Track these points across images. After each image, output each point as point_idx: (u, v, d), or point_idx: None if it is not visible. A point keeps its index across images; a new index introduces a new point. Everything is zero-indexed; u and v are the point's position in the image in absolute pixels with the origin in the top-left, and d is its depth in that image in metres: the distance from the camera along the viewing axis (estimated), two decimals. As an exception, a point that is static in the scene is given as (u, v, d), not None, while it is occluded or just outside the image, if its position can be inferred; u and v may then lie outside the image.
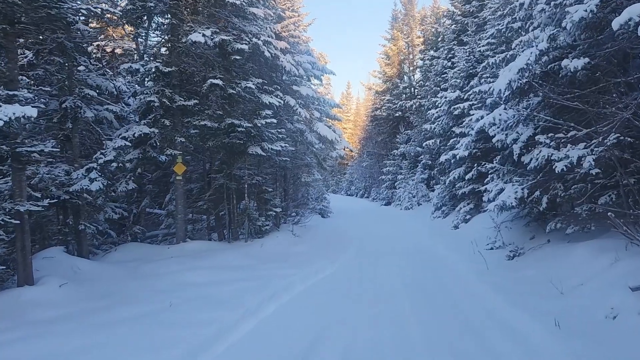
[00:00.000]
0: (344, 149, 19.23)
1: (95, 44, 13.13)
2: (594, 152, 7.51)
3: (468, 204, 16.70)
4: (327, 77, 32.89)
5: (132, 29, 12.53)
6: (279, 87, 14.96)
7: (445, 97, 18.82)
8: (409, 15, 40.52)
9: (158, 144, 11.40)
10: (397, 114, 37.67)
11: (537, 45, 9.05)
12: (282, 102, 12.86)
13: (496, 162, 12.63)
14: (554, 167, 8.28)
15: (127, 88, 13.23)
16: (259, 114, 12.01)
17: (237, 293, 8.01)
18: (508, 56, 13.16)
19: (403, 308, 7.07)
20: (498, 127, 12.39)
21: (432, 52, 30.65)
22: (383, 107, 39.62)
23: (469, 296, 7.69)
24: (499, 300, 7.05)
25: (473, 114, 15.93)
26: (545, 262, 8.77)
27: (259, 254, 12.21)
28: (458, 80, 18.97)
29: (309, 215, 23.85)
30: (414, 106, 33.53)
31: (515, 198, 9.78)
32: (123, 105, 12.84)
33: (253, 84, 11.41)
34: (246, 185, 13.34)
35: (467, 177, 16.29)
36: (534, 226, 11.64)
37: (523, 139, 10.71)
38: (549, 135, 8.68)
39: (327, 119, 19.87)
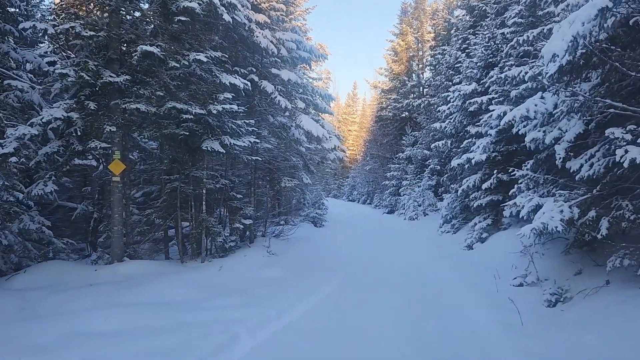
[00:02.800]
0: (341, 150, 16.31)
1: None
2: None
3: (484, 218, 13.73)
4: (327, 71, 30.10)
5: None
6: (254, 70, 12.12)
7: (459, 91, 15.89)
8: (419, 8, 37.61)
9: (79, 133, 8.55)
10: (403, 114, 34.73)
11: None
12: (247, 84, 9.99)
13: (526, 169, 9.71)
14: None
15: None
16: (216, 98, 9.16)
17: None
18: (545, 30, 10.24)
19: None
20: (530, 123, 9.49)
21: (444, 47, 27.73)
22: (389, 107, 36.69)
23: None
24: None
25: (493, 110, 13.04)
26: (612, 320, 5.82)
27: (213, 282, 9.34)
28: (474, 71, 16.03)
29: (299, 223, 20.99)
30: (422, 105, 30.58)
31: (562, 220, 6.85)
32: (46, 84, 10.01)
33: (205, 57, 8.54)
34: (204, 191, 10.48)
35: (484, 186, 13.34)
36: (576, 255, 8.70)
37: (570, 137, 7.78)
38: (629, 128, 5.74)
39: (318, 113, 16.97)
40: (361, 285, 9.45)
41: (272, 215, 17.75)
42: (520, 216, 8.28)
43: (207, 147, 9.25)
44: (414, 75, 37.46)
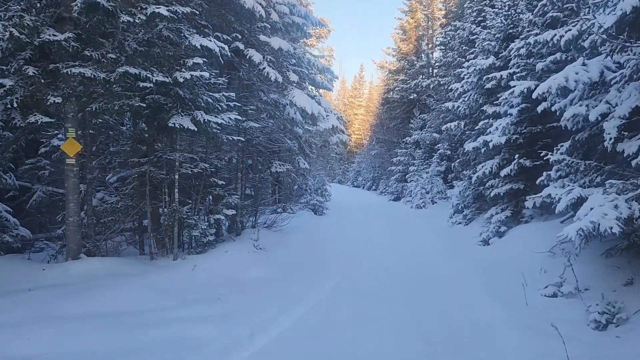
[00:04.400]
0: (341, 131, 14.63)
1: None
2: None
3: (502, 210, 12.11)
4: (330, 49, 28.36)
5: None
6: (240, 37, 10.48)
7: (475, 66, 14.15)
8: (429, -16, 35.54)
9: (15, 105, 6.98)
10: (411, 96, 32.89)
11: None
12: (224, 48, 8.35)
13: (560, 153, 8.07)
14: None
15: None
16: (184, 64, 7.55)
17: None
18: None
19: None
20: (566, 98, 7.84)
21: (455, 23, 25.79)
22: (396, 89, 34.85)
23: None
24: None
25: (515, 86, 11.38)
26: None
27: (182, 285, 7.84)
28: (492, 44, 14.28)
29: (298, 212, 19.47)
30: (432, 86, 28.74)
31: (618, 219, 5.23)
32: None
33: (168, 11, 6.89)
34: (176, 176, 8.93)
35: (502, 172, 11.68)
36: (621, 258, 7.09)
37: (622, 112, 6.14)
38: None
39: (316, 90, 15.27)
40: (359, 292, 7.89)
41: (264, 204, 16.23)
42: (557, 210, 6.68)
43: (174, 124, 7.66)
44: (422, 55, 35.52)
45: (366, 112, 60.30)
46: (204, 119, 7.94)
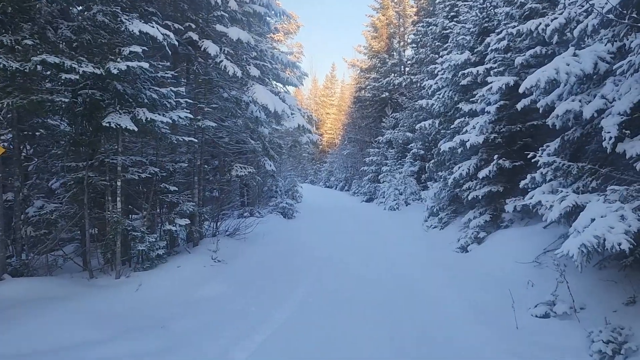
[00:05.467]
0: (308, 131, 13.63)
1: None
2: None
3: (481, 213, 11.37)
4: (299, 45, 27.34)
5: None
6: (193, 26, 9.43)
7: (449, 61, 13.39)
8: (401, -20, 34.91)
9: None
10: (383, 95, 32.17)
11: None
12: (169, 35, 7.29)
13: (547, 154, 7.32)
14: None
15: None
16: (119, 53, 6.49)
17: None
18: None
19: None
20: (556, 92, 7.09)
21: (428, 19, 25.14)
22: (368, 87, 34.07)
23: None
24: None
25: (492, 82, 10.65)
26: None
27: (122, 310, 6.78)
28: (467, 38, 13.55)
29: (267, 215, 18.48)
30: (404, 83, 28.05)
31: (626, 232, 4.44)
32: None
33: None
34: (119, 183, 7.83)
35: (480, 174, 10.93)
36: (616, 271, 6.37)
37: (622, 108, 5.41)
38: None
39: (281, 86, 14.25)
40: (329, 310, 6.96)
41: (229, 208, 15.18)
42: (549, 219, 5.89)
43: (110, 123, 6.58)
44: (394, 53, 34.85)
45: (338, 111, 59.53)
46: (147, 118, 6.88)
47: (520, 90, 6.37)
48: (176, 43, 7.65)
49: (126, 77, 7.01)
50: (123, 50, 6.51)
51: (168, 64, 8.26)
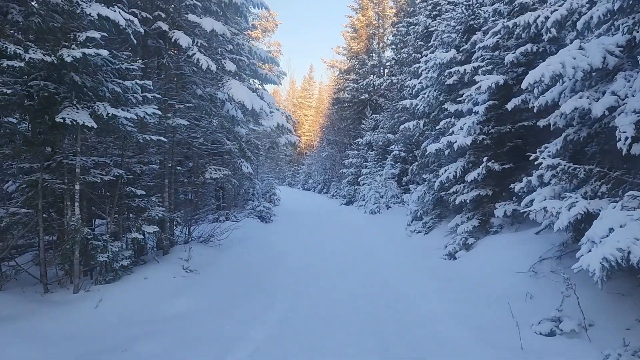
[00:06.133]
0: (288, 131, 12.92)
1: None
2: None
3: (469, 218, 10.85)
4: (277, 43, 26.61)
5: None
6: (163, 16, 8.68)
7: (434, 59, 12.89)
8: (380, -19, 34.55)
9: None
10: (363, 96, 31.73)
11: None
12: (133, 21, 6.54)
13: (548, 155, 6.80)
14: None
15: None
16: (74, 39, 5.73)
17: None
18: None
19: None
20: (557, 89, 6.59)
21: (409, 19, 24.75)
22: (347, 88, 33.61)
23: None
24: None
25: (481, 81, 10.18)
26: None
27: (80, 329, 6.00)
28: (452, 36, 13.08)
29: (243, 219, 17.71)
30: (384, 85, 27.59)
31: (654, 245, 3.89)
32: None
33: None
34: (77, 186, 7.03)
35: (468, 177, 10.42)
36: (621, 281, 5.87)
37: (638, 105, 4.84)
38: None
39: (259, 83, 13.51)
40: (312, 327, 6.30)
41: (204, 212, 14.39)
42: (557, 228, 5.34)
43: (64, 119, 5.79)
44: (374, 54, 34.48)
45: (316, 113, 58.97)
46: (108, 113, 6.12)
47: (523, 86, 5.83)
48: (142, 31, 6.90)
49: (85, 68, 6.25)
50: (79, 35, 5.74)
51: (138, 58, 7.46)
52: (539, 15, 7.04)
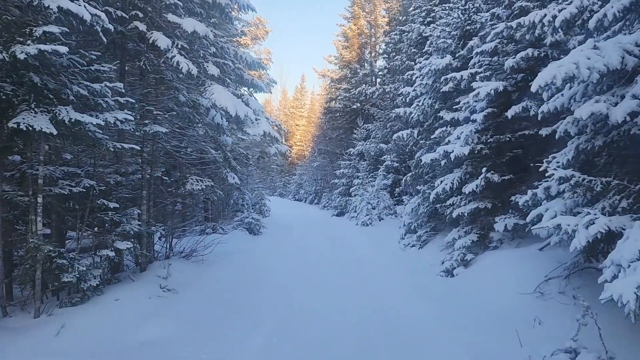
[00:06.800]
0: (275, 139, 12.27)
1: None
2: None
3: (466, 232, 10.28)
4: (267, 51, 26.11)
5: None
6: (141, 15, 8.08)
7: (430, 66, 12.37)
8: (372, -10, 34.25)
9: None
10: (354, 106, 31.27)
11: None
12: (100, 16, 5.90)
13: (557, 165, 6.22)
14: None
15: None
16: (30, 34, 5.10)
17: None
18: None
19: None
20: (567, 94, 6.05)
21: (401, 28, 24.34)
22: (339, 97, 33.15)
23: None
24: None
25: (479, 87, 9.70)
26: None
27: (34, 362, 5.30)
28: (448, 41, 12.58)
29: (231, 231, 17.05)
30: (377, 94, 27.12)
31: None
32: None
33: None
34: (39, 199, 6.35)
35: (466, 189, 9.86)
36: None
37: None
38: None
39: (245, 89, 12.89)
40: (297, 354, 5.66)
41: (192, 225, 13.73)
42: (573, 248, 4.75)
43: (18, 123, 5.14)
44: (366, 64, 34.09)
45: (308, 122, 58.46)
46: (71, 118, 5.47)
47: (533, 88, 5.26)
48: (111, 27, 6.27)
49: (47, 68, 5.61)
50: (35, 30, 5.12)
51: (118, 62, 6.85)
52: (545, 15, 6.52)
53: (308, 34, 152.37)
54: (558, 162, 6.24)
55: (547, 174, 5.34)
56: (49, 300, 7.19)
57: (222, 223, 18.55)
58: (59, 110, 5.53)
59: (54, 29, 5.12)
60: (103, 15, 5.79)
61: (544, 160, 6.45)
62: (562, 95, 6.12)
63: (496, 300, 7.16)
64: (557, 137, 6.85)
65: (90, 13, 5.54)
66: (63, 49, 5.07)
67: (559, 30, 6.21)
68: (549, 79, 5.08)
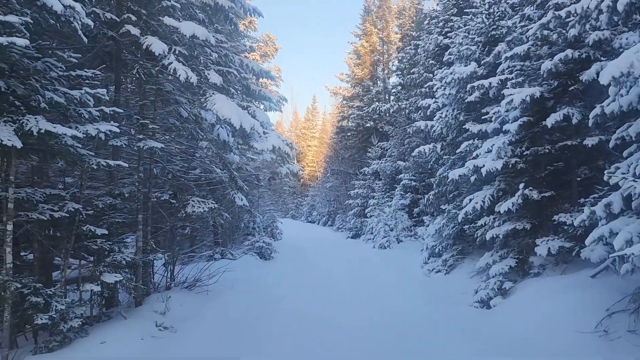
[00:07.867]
0: (286, 155, 11.30)
1: None
2: None
3: (501, 257, 9.14)
4: (277, 68, 25.33)
5: None
6: (134, 19, 7.24)
7: (453, 74, 11.40)
8: (384, 7, 33.69)
9: None
10: (368, 124, 30.39)
11: None
12: (73, 8, 5.01)
13: (620, 176, 5.13)
14: None
15: None
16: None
17: None
18: None
19: None
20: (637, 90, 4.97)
21: (416, 42, 23.51)
22: (351, 116, 32.28)
23: None
24: None
25: (512, 94, 8.76)
26: None
27: None
28: (472, 48, 11.62)
29: (240, 256, 15.98)
30: (392, 110, 26.19)
31: None
32: None
33: None
34: (9, 226, 5.42)
35: (501, 208, 8.76)
36: None
37: None
38: None
39: (253, 101, 12.00)
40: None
41: (199, 249, 12.76)
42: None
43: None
44: (379, 81, 33.31)
45: (320, 143, 57.74)
46: (40, 129, 4.57)
47: (604, 81, 4.24)
48: (91, 24, 5.42)
49: (15, 71, 4.74)
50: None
51: (80, 55, 5.98)
52: (598, 4, 5.52)
53: (320, 52, 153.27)
54: (624, 173, 5.16)
55: (606, 187, 4.27)
56: (26, 344, 6.22)
57: (232, 247, 17.56)
58: (27, 120, 4.64)
59: (13, 18, 4.25)
60: (78, 7, 4.91)
61: (606, 172, 5.39)
62: (628, 93, 5.08)
63: (547, 339, 6.03)
64: (612, 144, 5.83)
65: (63, 5, 4.69)
66: (22, 42, 4.17)
67: (621, 15, 5.19)
68: (624, 68, 4.06)
